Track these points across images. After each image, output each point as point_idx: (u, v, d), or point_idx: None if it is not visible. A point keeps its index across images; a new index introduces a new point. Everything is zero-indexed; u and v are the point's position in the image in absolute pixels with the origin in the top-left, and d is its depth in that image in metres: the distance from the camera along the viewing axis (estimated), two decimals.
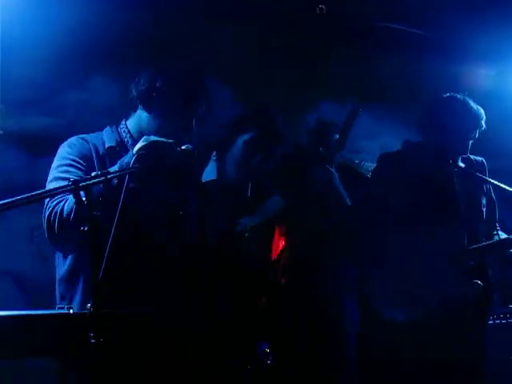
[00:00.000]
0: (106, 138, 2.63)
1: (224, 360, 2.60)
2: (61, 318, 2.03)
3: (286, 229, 3.67)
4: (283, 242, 3.70)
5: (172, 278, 2.51)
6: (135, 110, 2.67)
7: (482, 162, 3.57)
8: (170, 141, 2.43)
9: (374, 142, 3.84)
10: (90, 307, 1.94)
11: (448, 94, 3.51)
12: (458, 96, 3.48)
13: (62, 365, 2.05)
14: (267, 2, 3.94)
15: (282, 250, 3.65)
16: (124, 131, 2.66)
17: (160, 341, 2.31)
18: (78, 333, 1.95)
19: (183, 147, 2.43)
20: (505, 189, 3.40)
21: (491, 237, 3.45)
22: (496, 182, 3.43)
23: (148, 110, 2.62)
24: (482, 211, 3.46)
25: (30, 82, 3.52)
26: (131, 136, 2.64)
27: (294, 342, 3.44)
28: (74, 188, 1.94)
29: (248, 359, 2.87)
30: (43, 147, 3.35)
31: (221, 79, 3.83)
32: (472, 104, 3.44)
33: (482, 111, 3.44)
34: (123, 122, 2.69)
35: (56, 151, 2.59)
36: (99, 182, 2.09)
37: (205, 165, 2.80)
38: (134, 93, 2.64)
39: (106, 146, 2.59)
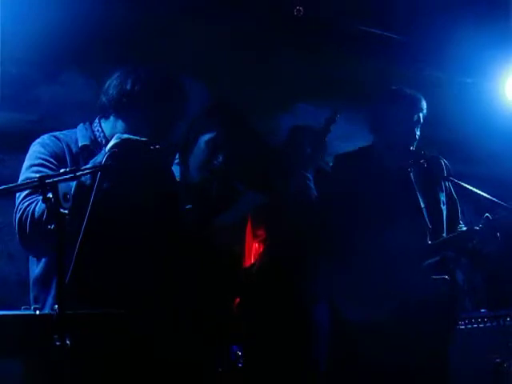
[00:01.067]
0: (80, 136, 2.56)
1: (196, 362, 2.58)
2: (26, 318, 1.98)
3: (265, 231, 3.66)
4: (257, 245, 3.69)
5: (144, 278, 2.47)
6: (107, 117, 2.59)
7: (437, 158, 3.52)
8: (144, 139, 2.39)
9: (349, 144, 3.84)
10: (57, 308, 1.90)
11: (383, 89, 3.53)
12: (392, 87, 3.49)
13: (26, 367, 2.01)
14: (243, 1, 3.92)
15: (259, 253, 3.64)
16: (98, 130, 2.59)
17: (129, 343, 2.28)
18: (44, 334, 1.90)
19: (157, 146, 2.39)
20: (470, 189, 3.38)
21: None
22: (457, 180, 3.42)
23: (121, 116, 2.54)
24: (442, 209, 3.45)
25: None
26: (105, 136, 2.58)
27: (268, 344, 3.43)
28: (40, 185, 1.89)
29: (219, 362, 2.85)
30: (13, 144, 3.30)
31: (196, 77, 3.80)
32: (406, 90, 3.43)
33: (419, 95, 3.42)
34: (97, 120, 2.62)
35: (26, 147, 2.52)
36: (67, 179, 2.04)
37: (170, 166, 2.77)
38: (105, 101, 2.56)
39: (80, 144, 2.52)
